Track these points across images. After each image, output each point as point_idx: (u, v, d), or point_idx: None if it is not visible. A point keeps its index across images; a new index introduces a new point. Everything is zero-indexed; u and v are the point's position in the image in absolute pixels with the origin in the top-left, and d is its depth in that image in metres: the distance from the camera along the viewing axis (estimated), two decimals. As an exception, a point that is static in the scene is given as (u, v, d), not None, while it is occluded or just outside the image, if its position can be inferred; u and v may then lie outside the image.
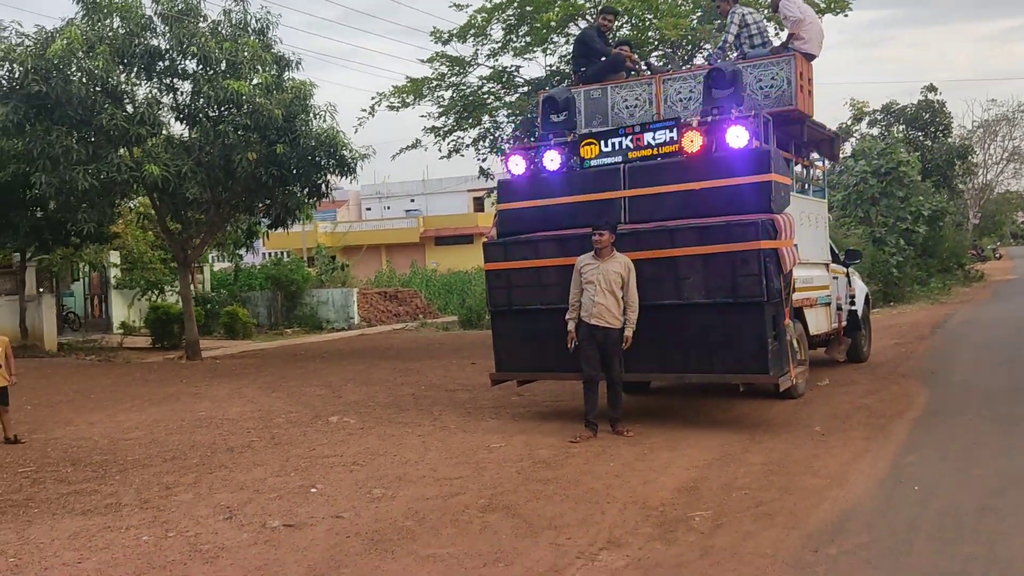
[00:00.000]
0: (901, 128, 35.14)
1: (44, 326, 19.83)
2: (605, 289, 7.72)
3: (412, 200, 66.63)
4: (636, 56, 10.76)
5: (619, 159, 8.48)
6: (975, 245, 49.72)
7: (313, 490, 6.49)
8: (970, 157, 40.80)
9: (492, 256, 8.95)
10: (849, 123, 34.86)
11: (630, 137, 8.47)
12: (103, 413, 10.61)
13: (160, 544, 5.34)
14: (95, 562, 5.04)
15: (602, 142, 8.61)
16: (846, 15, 14.47)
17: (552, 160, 8.73)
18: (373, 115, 17.19)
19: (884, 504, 5.65)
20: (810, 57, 9.29)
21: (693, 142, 8.07)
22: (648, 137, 8.37)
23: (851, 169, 27.89)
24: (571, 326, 7.96)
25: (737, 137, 7.88)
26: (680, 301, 7.91)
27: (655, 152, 8.33)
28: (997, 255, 60.99)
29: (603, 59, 9.75)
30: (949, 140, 36.08)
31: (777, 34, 9.49)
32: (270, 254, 40.48)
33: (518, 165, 8.93)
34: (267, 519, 5.75)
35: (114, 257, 25.58)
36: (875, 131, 34.99)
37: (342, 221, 55.21)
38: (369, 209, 67.82)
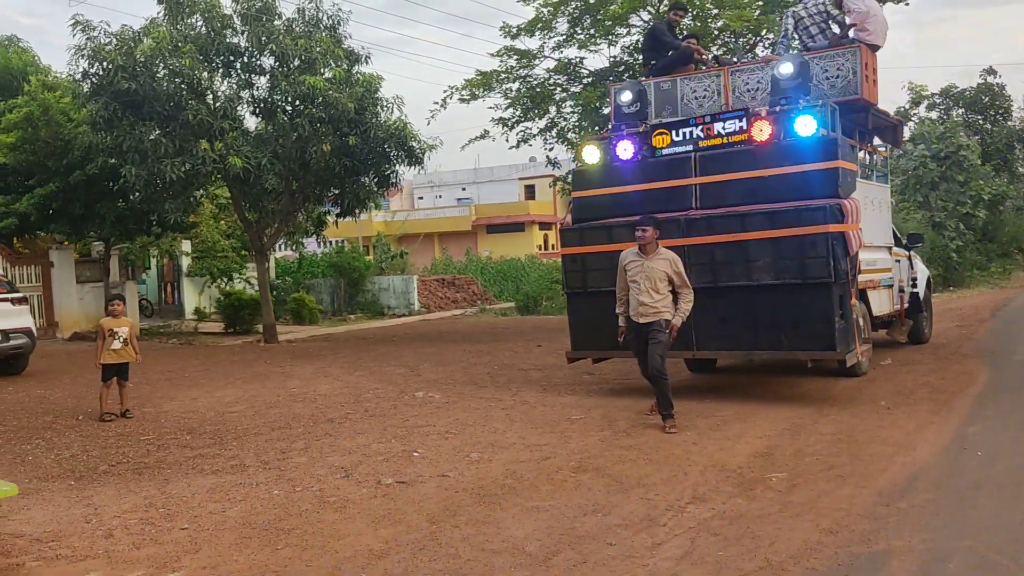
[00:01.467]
0: (960, 112, 34.80)
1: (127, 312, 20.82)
2: (650, 288, 7.58)
3: (464, 188, 67.21)
4: (703, 49, 11.18)
5: (690, 148, 8.95)
6: (1037, 230, 48.81)
7: (415, 454, 7.11)
8: (1032, 140, 40.10)
9: (568, 241, 9.49)
10: (907, 107, 34.65)
11: (701, 127, 8.93)
12: (201, 390, 11.39)
13: (290, 497, 5.99)
14: (238, 511, 5.71)
15: (673, 132, 9.08)
16: (907, 3, 14.76)
17: (625, 149, 9.23)
18: (445, 107, 17.84)
19: (949, 467, 6.09)
20: (875, 48, 9.64)
21: (762, 131, 8.51)
22: (718, 127, 8.82)
23: (910, 154, 27.84)
24: (621, 321, 7.96)
25: (805, 126, 8.30)
26: (750, 282, 8.37)
27: (725, 141, 8.79)
28: (1060, 240, 59.68)
29: (672, 52, 10.20)
30: (1009, 123, 35.60)
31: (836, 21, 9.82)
32: (329, 243, 41.52)
33: (593, 154, 9.43)
34: (381, 477, 6.38)
35: (185, 246, 26.63)
36: (934, 115, 34.71)
37: (396, 210, 56.08)
38: (421, 198, 68.54)
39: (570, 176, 14.71)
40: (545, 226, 58.55)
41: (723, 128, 8.81)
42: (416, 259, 40.88)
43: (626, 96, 9.65)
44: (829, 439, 7.06)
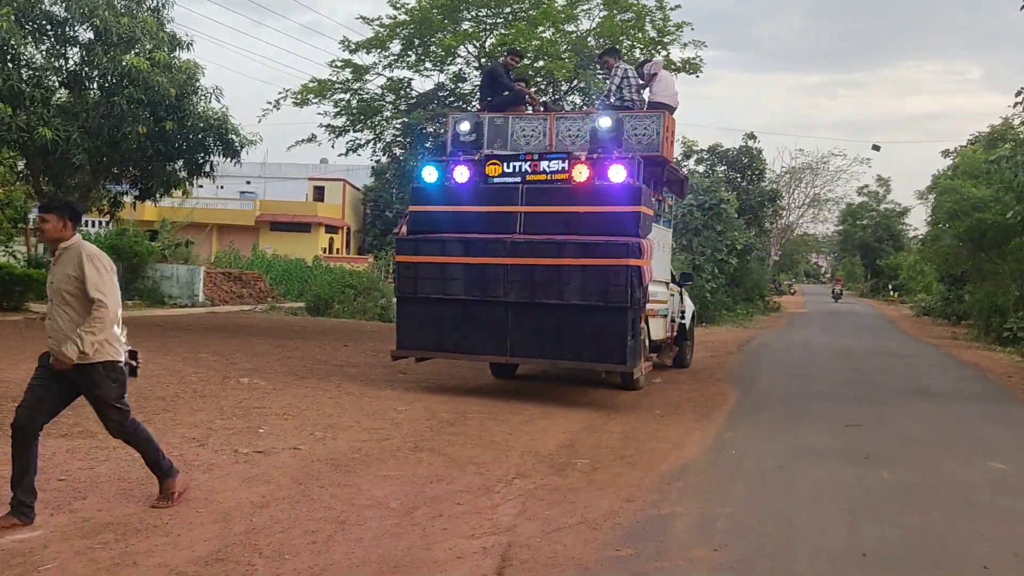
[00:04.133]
0: (723, 168, 39.05)
1: None
2: (60, 305, 5.17)
3: (248, 182, 65.46)
4: (534, 93, 12.55)
5: (518, 179, 10.19)
6: (774, 280, 55.36)
7: (261, 430, 7.75)
8: (778, 200, 45.64)
9: (404, 250, 10.43)
10: (679, 159, 38.41)
11: (529, 162, 10.20)
12: (4, 362, 11.13)
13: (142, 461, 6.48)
14: (106, 468, 6.16)
15: (504, 163, 10.29)
16: (697, 76, 17.24)
17: (461, 174, 10.32)
18: (278, 108, 18.19)
19: (711, 461, 7.65)
20: (670, 109, 11.40)
21: (581, 173, 9.90)
22: (544, 164, 10.13)
23: (679, 202, 31.02)
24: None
25: (617, 173, 9.78)
26: (561, 302, 9.70)
27: (549, 177, 10.10)
28: (792, 291, 67.80)
29: (507, 93, 11.46)
30: (763, 184, 40.42)
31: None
32: (104, 223, 39.32)
33: (432, 174, 10.45)
34: (236, 447, 7.01)
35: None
36: (701, 168, 38.71)
37: (174, 197, 53.73)
38: (201, 187, 65.91)
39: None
40: (332, 229, 58.43)
41: (548, 166, 10.12)
42: (196, 250, 39.71)
43: (464, 126, 10.78)
44: (619, 436, 8.48)
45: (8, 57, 15.30)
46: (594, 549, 5.02)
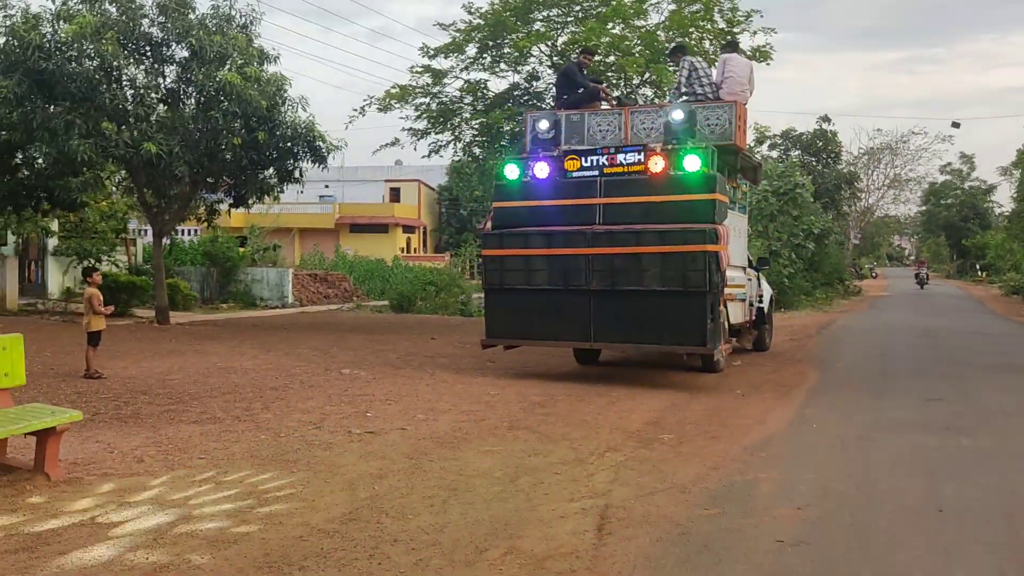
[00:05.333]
0: (797, 153, 38.75)
1: (7, 287, 20.69)
2: None
3: (327, 186, 67.27)
4: (608, 90, 12.99)
5: (596, 173, 10.67)
6: (854, 263, 54.40)
7: (368, 414, 8.42)
8: (856, 183, 44.99)
9: (490, 244, 11.01)
10: (752, 145, 38.25)
11: (606, 156, 10.67)
12: (126, 361, 12.12)
13: (278, 440, 7.20)
14: (239, 448, 6.88)
15: (583, 158, 10.78)
16: (768, 64, 17.42)
17: (542, 170, 10.85)
18: (363, 115, 19.11)
19: (793, 434, 8.02)
20: (743, 99, 11.71)
21: (657, 164, 10.33)
22: (620, 157, 10.58)
23: (754, 189, 30.99)
24: None
25: (691, 163, 10.17)
26: (641, 288, 10.15)
27: (625, 169, 10.56)
28: (874, 274, 66.41)
29: (582, 91, 11.94)
30: (839, 166, 39.92)
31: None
32: (195, 232, 41.10)
33: (514, 171, 11.00)
34: (349, 429, 7.68)
35: (53, 225, 26.24)
36: (775, 154, 38.50)
37: (265, 204, 55.62)
38: (282, 191, 67.85)
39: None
40: (409, 229, 59.68)
41: (624, 159, 10.57)
42: (282, 253, 41.18)
43: (543, 124, 11.30)
44: (702, 414, 8.89)
45: (112, 78, 16.42)
46: (685, 509, 5.48)
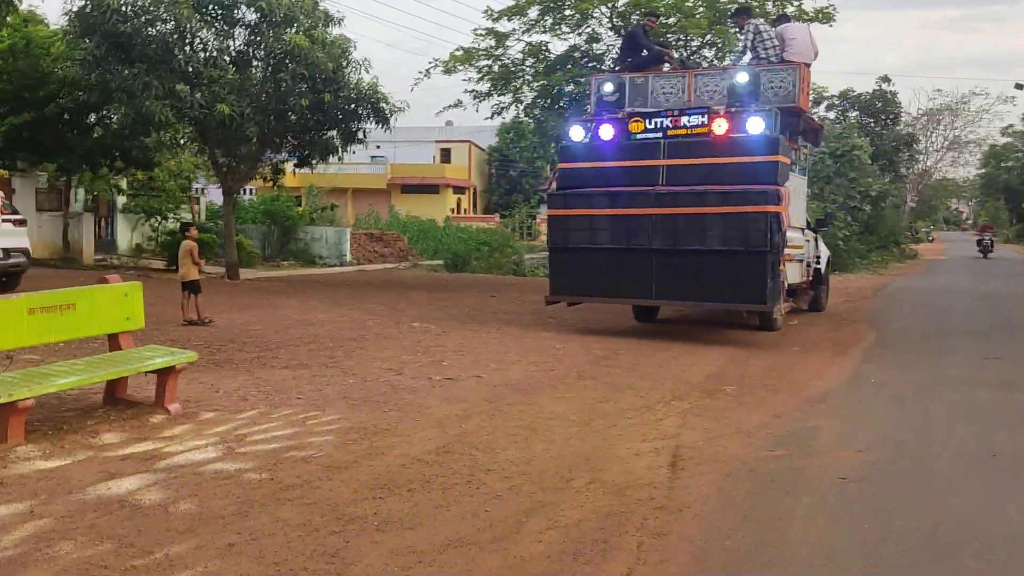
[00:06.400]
0: (855, 114, 38.22)
1: (84, 242, 21.65)
2: None
3: (378, 147, 67.83)
4: (672, 54, 13.20)
5: (660, 135, 10.95)
6: (911, 227, 53.62)
7: (444, 363, 8.93)
8: (915, 145, 44.24)
9: (555, 204, 11.40)
10: (810, 106, 37.82)
11: (670, 118, 10.94)
12: (207, 313, 12.77)
13: (365, 384, 7.74)
14: (332, 390, 7.43)
15: (647, 120, 11.06)
16: (831, 25, 17.40)
17: (606, 132, 11.16)
18: (429, 76, 19.62)
19: (851, 388, 8.34)
20: (807, 64, 11.84)
21: (720, 126, 10.58)
22: (684, 119, 10.84)
23: (813, 151, 30.81)
24: None
25: (755, 125, 10.40)
26: (703, 247, 10.47)
27: (689, 132, 10.82)
28: (930, 238, 65.33)
29: (646, 53, 12.17)
30: (897, 128, 39.31)
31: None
32: (252, 190, 42.05)
33: (579, 133, 11.33)
34: (429, 376, 8.19)
35: (123, 183, 27.18)
36: (832, 115, 38.02)
37: (328, 164, 56.52)
38: (347, 152, 68.59)
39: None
40: (459, 190, 60.12)
41: (688, 121, 10.83)
42: (339, 212, 41.95)
43: (608, 87, 11.59)
44: (761, 368, 9.25)
45: (185, 40, 17.01)
46: (751, 451, 5.89)
